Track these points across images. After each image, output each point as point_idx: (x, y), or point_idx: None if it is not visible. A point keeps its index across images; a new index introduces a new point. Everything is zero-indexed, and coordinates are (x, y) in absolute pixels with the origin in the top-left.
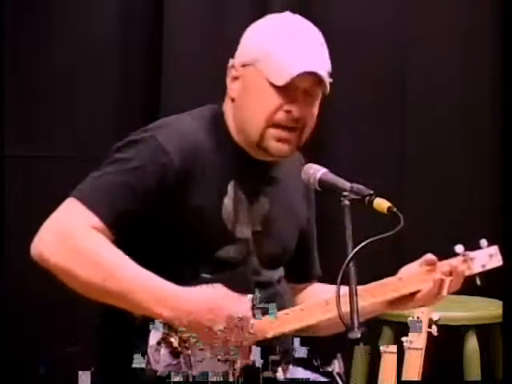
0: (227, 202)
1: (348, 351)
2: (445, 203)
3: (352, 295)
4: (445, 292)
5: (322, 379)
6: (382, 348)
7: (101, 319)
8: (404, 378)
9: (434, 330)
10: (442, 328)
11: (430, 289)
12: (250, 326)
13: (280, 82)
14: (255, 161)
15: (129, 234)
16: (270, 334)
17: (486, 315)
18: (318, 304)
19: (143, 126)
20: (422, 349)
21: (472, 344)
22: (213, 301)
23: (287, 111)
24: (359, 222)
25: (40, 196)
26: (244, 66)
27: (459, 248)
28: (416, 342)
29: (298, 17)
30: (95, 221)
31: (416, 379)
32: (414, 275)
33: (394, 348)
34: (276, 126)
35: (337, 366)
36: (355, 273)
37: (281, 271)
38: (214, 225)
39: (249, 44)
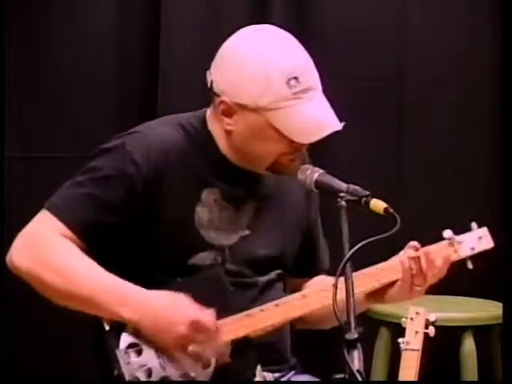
0: (200, 209)
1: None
2: (443, 204)
3: (348, 296)
4: (420, 281)
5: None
6: (402, 345)
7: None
8: (400, 378)
9: (431, 330)
10: (439, 329)
11: (401, 277)
12: (215, 330)
13: (303, 141)
14: (241, 168)
15: (100, 241)
16: (242, 333)
17: (483, 316)
18: (295, 298)
19: None
20: (418, 350)
21: (469, 345)
22: (176, 302)
23: (296, 146)
24: (356, 223)
25: (40, 196)
26: (242, 107)
27: (447, 233)
28: (413, 342)
29: (285, 36)
30: (63, 229)
31: (413, 380)
32: (395, 264)
33: (416, 345)
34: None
35: (356, 361)
36: (351, 274)
37: (272, 275)
38: (185, 233)
39: (242, 83)
